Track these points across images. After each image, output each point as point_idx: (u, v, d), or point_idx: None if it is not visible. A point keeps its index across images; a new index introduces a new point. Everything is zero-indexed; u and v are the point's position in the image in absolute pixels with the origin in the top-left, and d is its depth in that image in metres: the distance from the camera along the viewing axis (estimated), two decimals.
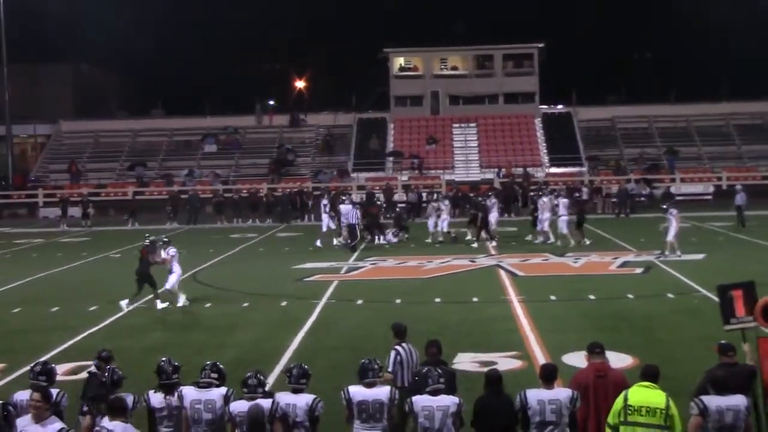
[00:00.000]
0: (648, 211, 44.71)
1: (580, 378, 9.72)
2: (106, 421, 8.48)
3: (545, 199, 32.57)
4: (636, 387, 8.83)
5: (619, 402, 8.74)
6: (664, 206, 29.05)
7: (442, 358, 10.56)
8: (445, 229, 33.36)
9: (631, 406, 8.64)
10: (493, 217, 32.96)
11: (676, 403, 8.78)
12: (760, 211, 41.88)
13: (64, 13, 63.01)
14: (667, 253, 27.15)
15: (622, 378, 9.72)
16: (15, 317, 20.82)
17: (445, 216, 33.37)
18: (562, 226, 31.57)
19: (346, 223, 31.85)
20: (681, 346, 16.19)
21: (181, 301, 21.27)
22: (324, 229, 33.97)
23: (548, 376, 9.28)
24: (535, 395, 9.06)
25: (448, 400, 8.99)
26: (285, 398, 9.17)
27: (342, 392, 9.29)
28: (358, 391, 9.17)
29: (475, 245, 31.87)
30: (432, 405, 8.90)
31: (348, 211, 31.74)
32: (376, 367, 9.34)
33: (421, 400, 8.95)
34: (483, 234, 32.45)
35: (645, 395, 8.69)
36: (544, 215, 32.18)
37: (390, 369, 10.44)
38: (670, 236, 27.25)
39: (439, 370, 9.28)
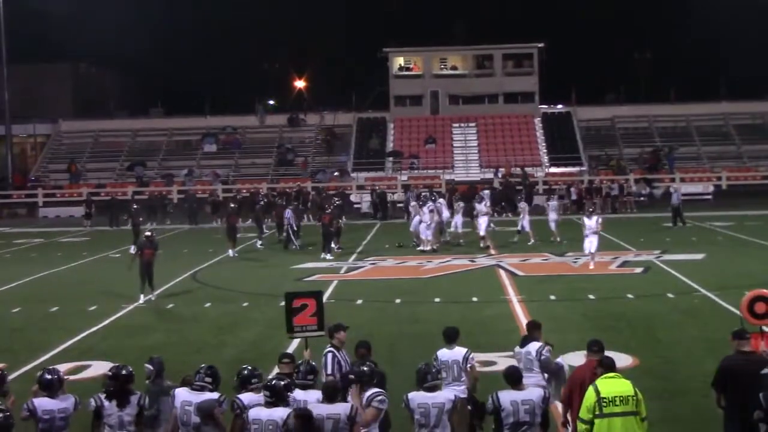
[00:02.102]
0: (648, 211, 44.77)
1: (578, 373, 9.90)
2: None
3: (555, 201, 33.97)
4: (603, 380, 9.02)
5: (591, 397, 8.90)
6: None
7: (372, 359, 10.29)
8: (411, 229, 32.57)
9: (605, 398, 8.83)
10: (458, 219, 32.59)
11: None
12: (760, 210, 41.95)
13: (64, 13, 62.94)
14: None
15: None
16: (15, 317, 20.84)
17: (417, 217, 32.28)
18: (481, 225, 31.01)
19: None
20: (681, 346, 16.22)
21: None
22: (453, 228, 32.68)
23: (514, 379, 9.34)
24: (508, 396, 9.13)
25: (443, 397, 9.04)
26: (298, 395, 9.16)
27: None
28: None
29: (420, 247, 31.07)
30: (428, 402, 8.93)
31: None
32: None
33: (417, 397, 8.98)
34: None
35: (615, 386, 8.93)
36: (551, 216, 33.01)
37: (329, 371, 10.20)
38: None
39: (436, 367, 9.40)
